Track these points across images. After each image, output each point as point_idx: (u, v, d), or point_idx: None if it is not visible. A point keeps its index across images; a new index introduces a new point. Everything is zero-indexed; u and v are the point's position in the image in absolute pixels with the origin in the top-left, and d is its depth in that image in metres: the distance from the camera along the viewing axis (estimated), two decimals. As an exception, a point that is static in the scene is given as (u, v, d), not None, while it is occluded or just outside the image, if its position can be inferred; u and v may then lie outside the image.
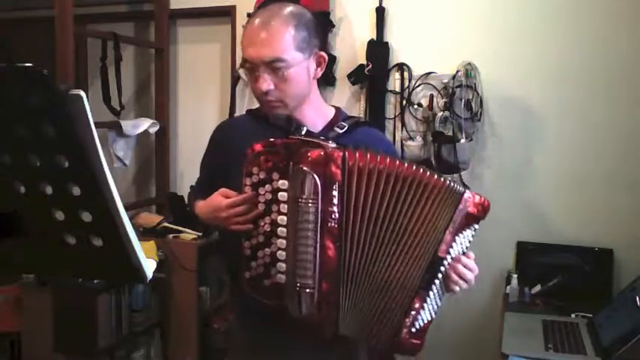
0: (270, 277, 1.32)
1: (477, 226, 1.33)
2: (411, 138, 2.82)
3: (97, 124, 0.72)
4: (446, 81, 2.75)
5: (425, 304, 1.34)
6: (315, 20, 1.42)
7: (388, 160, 1.27)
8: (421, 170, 1.28)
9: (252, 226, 1.32)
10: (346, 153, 1.27)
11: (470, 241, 1.34)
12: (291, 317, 1.33)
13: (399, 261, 1.31)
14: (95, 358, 2.59)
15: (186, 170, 3.35)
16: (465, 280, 1.34)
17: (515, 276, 2.58)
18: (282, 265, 1.31)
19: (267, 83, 1.34)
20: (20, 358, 2.80)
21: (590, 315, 2.30)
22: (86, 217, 0.77)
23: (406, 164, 1.29)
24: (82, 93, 0.70)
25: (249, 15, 2.87)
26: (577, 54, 2.64)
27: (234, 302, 1.65)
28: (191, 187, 1.70)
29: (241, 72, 1.42)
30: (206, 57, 3.26)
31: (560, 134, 2.69)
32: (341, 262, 1.30)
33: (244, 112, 1.61)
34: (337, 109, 1.53)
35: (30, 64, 0.68)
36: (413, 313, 1.34)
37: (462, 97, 2.70)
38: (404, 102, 2.82)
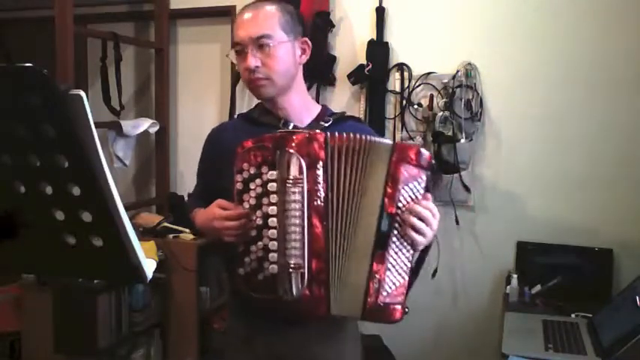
0: (263, 270, 1.35)
1: (423, 177, 1.34)
2: (411, 138, 2.82)
3: (97, 124, 0.72)
4: (446, 81, 2.75)
5: (389, 265, 1.34)
6: (299, 13, 1.55)
7: (358, 136, 1.34)
8: (370, 138, 1.35)
9: (242, 239, 1.36)
10: (328, 134, 1.34)
11: (421, 193, 1.34)
12: (284, 302, 1.34)
13: (361, 228, 1.34)
14: (95, 358, 2.59)
15: (186, 170, 3.34)
16: (417, 230, 1.31)
17: (515, 276, 2.58)
18: (274, 255, 1.34)
19: (254, 59, 1.43)
20: (20, 358, 2.80)
21: (590, 315, 2.30)
22: (86, 217, 0.77)
23: (365, 137, 1.35)
24: (82, 93, 0.70)
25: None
26: (577, 54, 2.64)
27: (231, 301, 1.67)
28: (188, 194, 1.73)
29: (231, 55, 1.49)
30: (206, 57, 3.26)
31: (560, 134, 2.69)
32: (329, 239, 1.33)
33: (236, 117, 1.67)
34: (324, 106, 1.60)
35: (30, 64, 0.68)
36: (377, 276, 1.33)
37: (462, 97, 2.70)
38: (404, 102, 2.82)
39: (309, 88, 2.90)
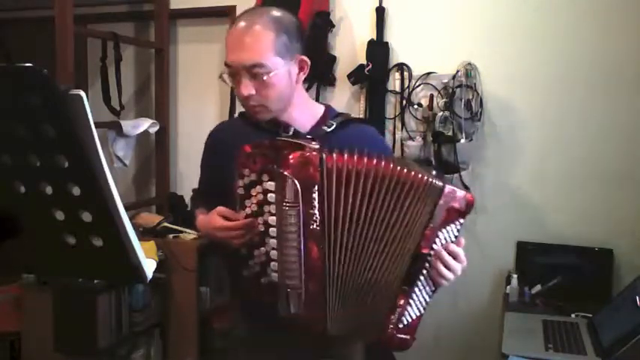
0: (266, 275, 1.36)
1: (462, 221, 1.34)
2: (411, 138, 2.82)
3: (97, 124, 0.72)
4: (446, 81, 2.75)
5: (411, 300, 1.37)
6: (298, 24, 1.43)
7: (366, 159, 1.29)
8: (399, 168, 1.30)
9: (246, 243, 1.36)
10: (323, 154, 1.29)
11: (456, 236, 1.35)
12: (282, 316, 1.36)
13: (381, 260, 1.34)
14: (95, 358, 2.59)
15: (186, 170, 3.35)
16: (450, 270, 1.34)
17: (515, 276, 2.58)
18: (275, 265, 1.35)
19: (247, 88, 1.36)
20: (20, 358, 2.80)
21: (590, 315, 2.30)
22: (86, 217, 0.77)
23: (384, 162, 1.30)
24: (82, 93, 0.70)
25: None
26: (577, 53, 2.64)
27: (235, 301, 1.67)
28: (193, 190, 1.73)
29: (225, 77, 1.42)
30: (206, 57, 3.26)
31: (560, 134, 2.69)
32: (325, 263, 1.33)
33: (236, 115, 1.64)
34: (327, 107, 1.54)
35: (30, 64, 0.68)
36: (399, 309, 1.36)
37: (462, 97, 2.70)
38: (404, 102, 2.82)
39: (309, 88, 2.91)
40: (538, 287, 2.56)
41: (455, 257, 1.34)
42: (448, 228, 1.33)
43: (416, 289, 1.36)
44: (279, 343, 1.49)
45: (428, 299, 1.39)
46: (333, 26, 2.92)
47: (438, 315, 2.88)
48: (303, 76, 1.45)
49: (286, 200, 1.29)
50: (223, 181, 1.43)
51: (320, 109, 1.52)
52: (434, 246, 1.33)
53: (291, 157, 1.29)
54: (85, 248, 0.79)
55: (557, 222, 2.71)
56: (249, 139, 1.36)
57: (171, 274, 2.82)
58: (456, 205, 1.31)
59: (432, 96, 2.77)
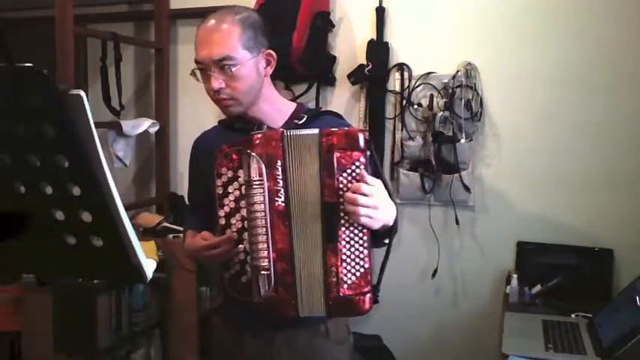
0: (245, 273, 1.36)
1: (361, 159, 1.31)
2: (411, 138, 2.82)
3: (97, 124, 0.72)
4: (446, 81, 2.75)
5: (343, 256, 1.32)
6: (262, 21, 1.50)
7: (306, 131, 1.35)
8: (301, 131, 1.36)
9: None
10: (285, 131, 1.34)
11: (359, 175, 1.31)
12: (255, 303, 1.35)
13: (312, 224, 1.33)
14: (95, 358, 2.59)
15: (186, 170, 3.32)
16: (366, 207, 1.28)
17: (515, 276, 2.58)
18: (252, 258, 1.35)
19: (218, 82, 1.41)
20: (20, 358, 2.80)
21: (590, 315, 2.30)
22: (86, 217, 0.77)
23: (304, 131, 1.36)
24: (82, 93, 0.70)
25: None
26: (577, 54, 2.64)
27: (222, 302, 1.69)
28: (186, 207, 1.75)
29: (197, 74, 1.48)
30: (206, 57, 3.26)
31: (560, 134, 2.69)
32: (293, 240, 1.33)
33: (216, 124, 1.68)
34: (299, 104, 1.59)
35: (30, 64, 0.68)
36: (333, 270, 1.32)
37: (462, 97, 2.70)
38: (404, 102, 2.82)
39: (309, 88, 2.91)
40: (538, 287, 2.56)
41: (359, 202, 1.28)
42: (348, 170, 1.30)
43: (342, 242, 1.32)
44: (263, 341, 1.50)
45: (365, 251, 1.33)
46: (333, 26, 2.92)
47: (438, 315, 2.89)
48: (270, 70, 1.49)
49: (253, 180, 1.32)
50: (208, 187, 1.44)
51: (291, 107, 1.56)
52: (340, 192, 1.31)
53: (255, 137, 1.34)
54: (85, 248, 0.79)
55: (557, 222, 2.71)
56: (226, 141, 1.38)
57: (171, 274, 2.82)
58: (341, 143, 1.30)
59: (432, 96, 2.77)
